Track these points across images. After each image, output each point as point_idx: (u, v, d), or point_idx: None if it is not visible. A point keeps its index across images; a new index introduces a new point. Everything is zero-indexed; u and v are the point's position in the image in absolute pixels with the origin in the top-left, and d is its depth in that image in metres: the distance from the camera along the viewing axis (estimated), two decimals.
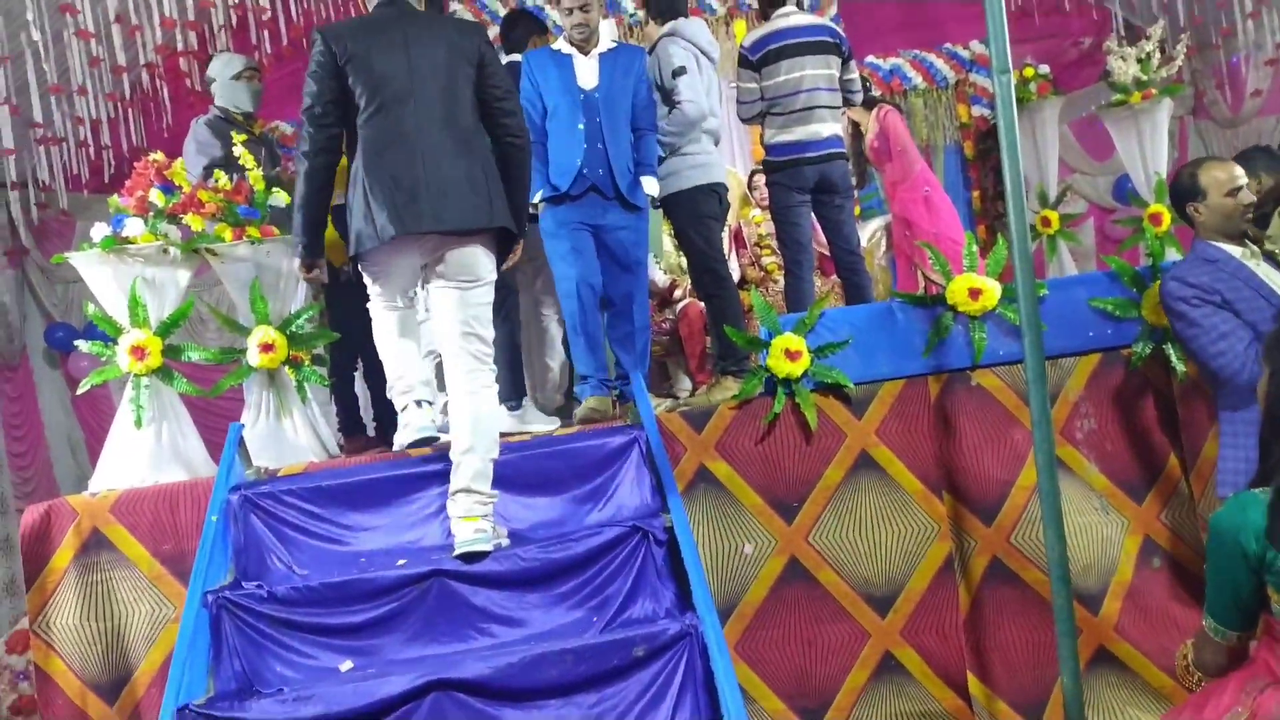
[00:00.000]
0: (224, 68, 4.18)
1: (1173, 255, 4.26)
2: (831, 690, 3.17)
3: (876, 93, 6.67)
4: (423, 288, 2.93)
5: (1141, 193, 5.10)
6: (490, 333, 2.78)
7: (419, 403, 2.85)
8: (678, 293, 5.50)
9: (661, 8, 3.88)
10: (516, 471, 2.87)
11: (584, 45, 3.59)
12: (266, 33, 5.95)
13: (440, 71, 2.73)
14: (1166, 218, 4.92)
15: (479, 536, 2.60)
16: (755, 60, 4.00)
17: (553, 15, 5.71)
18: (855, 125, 5.05)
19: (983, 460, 3.30)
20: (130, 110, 5.90)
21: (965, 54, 6.85)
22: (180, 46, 5.43)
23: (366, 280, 2.92)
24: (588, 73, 3.56)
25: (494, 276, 2.83)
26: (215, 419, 4.39)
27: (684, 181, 3.78)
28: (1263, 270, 2.70)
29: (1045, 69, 5.99)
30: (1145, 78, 4.90)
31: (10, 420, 6.03)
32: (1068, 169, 6.84)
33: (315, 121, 2.74)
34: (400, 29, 2.74)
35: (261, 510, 2.79)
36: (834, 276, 4.96)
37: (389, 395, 3.02)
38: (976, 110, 6.91)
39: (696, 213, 3.81)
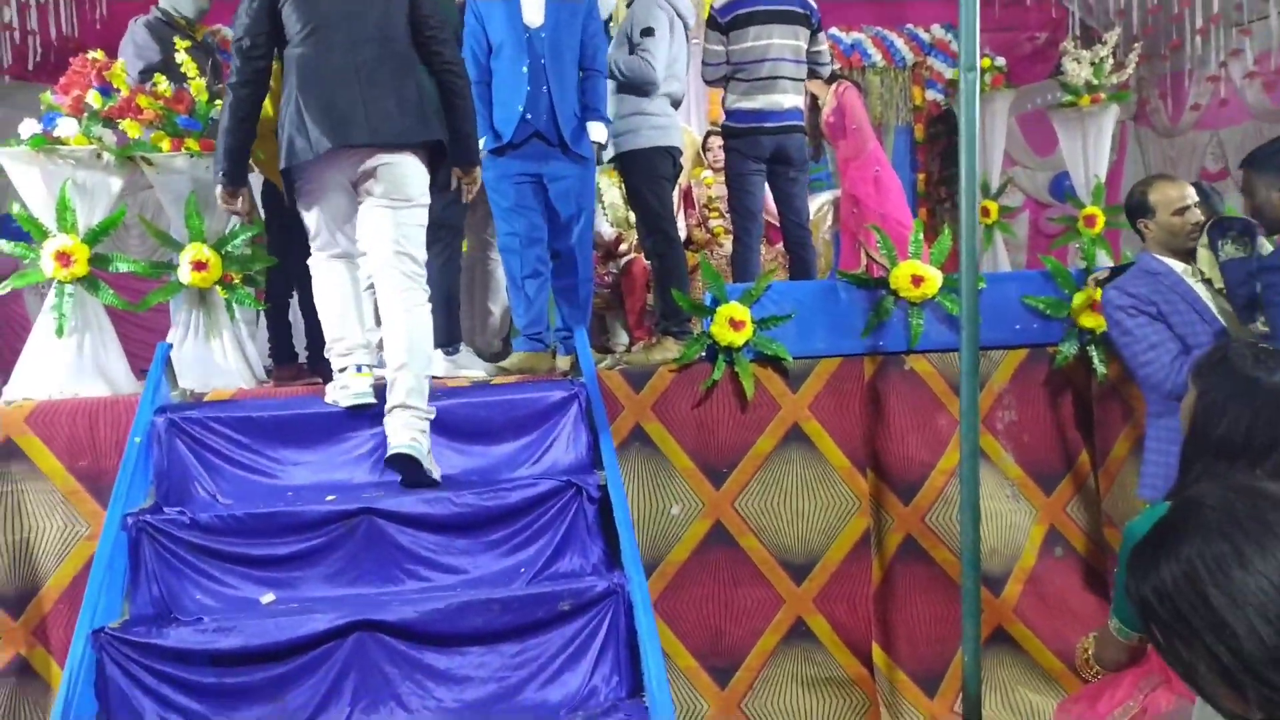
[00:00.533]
0: None
1: (1104, 260, 4.40)
2: (743, 651, 3.28)
3: (837, 67, 6.71)
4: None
5: (1080, 193, 5.25)
6: (423, 254, 2.82)
7: (359, 367, 2.82)
8: (623, 246, 5.48)
9: None
10: (454, 418, 2.85)
11: None
12: None
13: (375, 2, 2.76)
14: (1100, 220, 5.07)
15: (414, 445, 2.62)
16: (724, 23, 3.97)
17: None
18: (814, 98, 5.06)
19: (907, 442, 3.41)
20: (62, 1, 5.55)
21: (926, 37, 6.91)
22: None
23: (302, 213, 2.89)
24: (533, 9, 3.38)
25: (427, 199, 2.85)
26: (138, 333, 4.24)
27: (642, 140, 3.75)
28: (1200, 288, 2.82)
29: (1001, 61, 6.08)
30: (1096, 82, 5.01)
31: None
32: (1010, 161, 7.00)
33: (244, 54, 2.77)
34: None
35: (187, 436, 2.72)
36: (779, 245, 5.01)
37: (326, 355, 2.98)
38: (931, 94, 7.00)
39: (653, 173, 3.79)
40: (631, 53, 3.70)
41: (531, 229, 3.46)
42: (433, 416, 2.73)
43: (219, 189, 2.87)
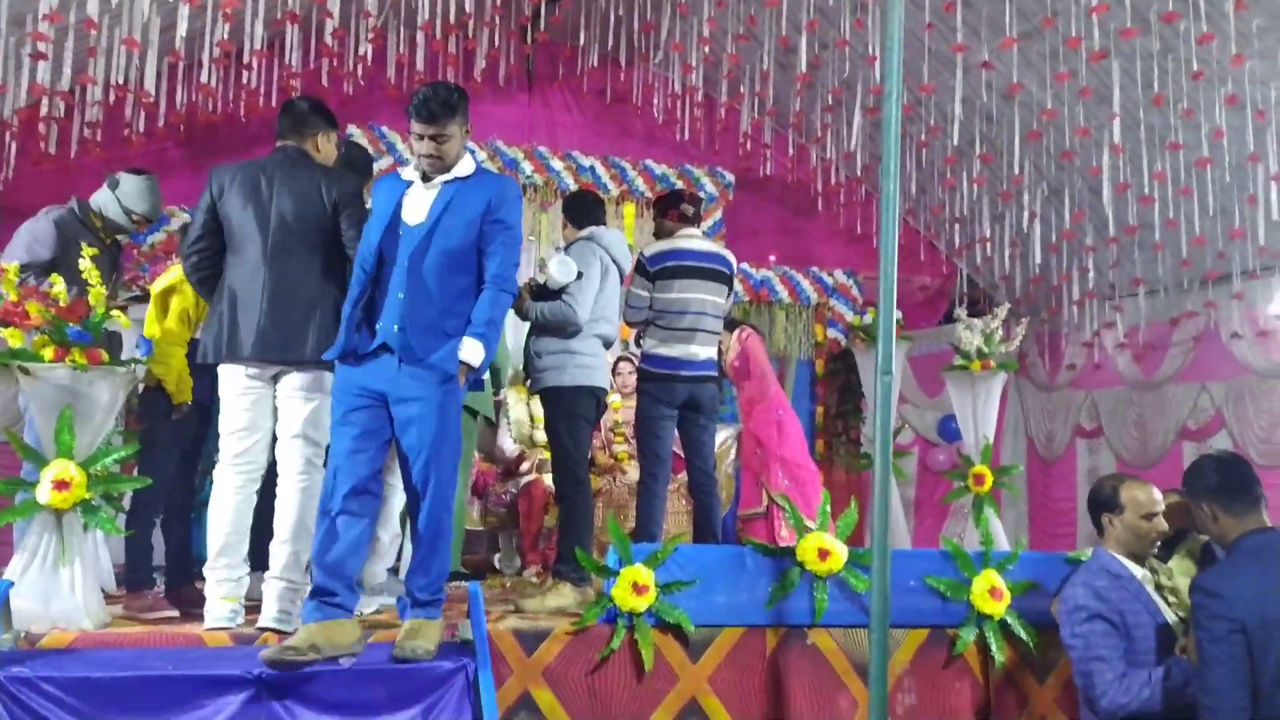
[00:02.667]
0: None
1: (997, 528, 4.48)
2: None
3: (746, 300, 6.99)
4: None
5: (969, 451, 5.45)
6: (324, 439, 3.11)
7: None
8: (524, 465, 5.36)
9: (579, 216, 3.95)
10: (325, 690, 2.58)
11: (430, 174, 2.92)
12: (143, 111, 5.63)
13: (297, 216, 3.14)
14: (989, 480, 5.24)
15: (282, 617, 2.98)
16: (652, 272, 4.07)
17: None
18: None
19: None
20: None
21: (829, 280, 7.30)
22: (46, 111, 5.02)
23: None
24: (418, 205, 2.88)
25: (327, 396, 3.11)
26: None
27: (567, 378, 3.73)
28: (1157, 597, 2.84)
29: (897, 314, 6.43)
30: (987, 350, 5.31)
31: None
32: (902, 400, 7.31)
33: (188, 247, 3.22)
34: (270, 173, 3.18)
35: (11, 699, 2.37)
36: (681, 476, 4.98)
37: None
38: (832, 333, 7.33)
39: (573, 412, 3.74)
40: (558, 295, 3.73)
41: (357, 463, 2.82)
42: (307, 587, 2.88)
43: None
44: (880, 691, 2.55)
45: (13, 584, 2.76)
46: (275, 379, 3.11)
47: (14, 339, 2.94)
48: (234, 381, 3.11)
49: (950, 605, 3.50)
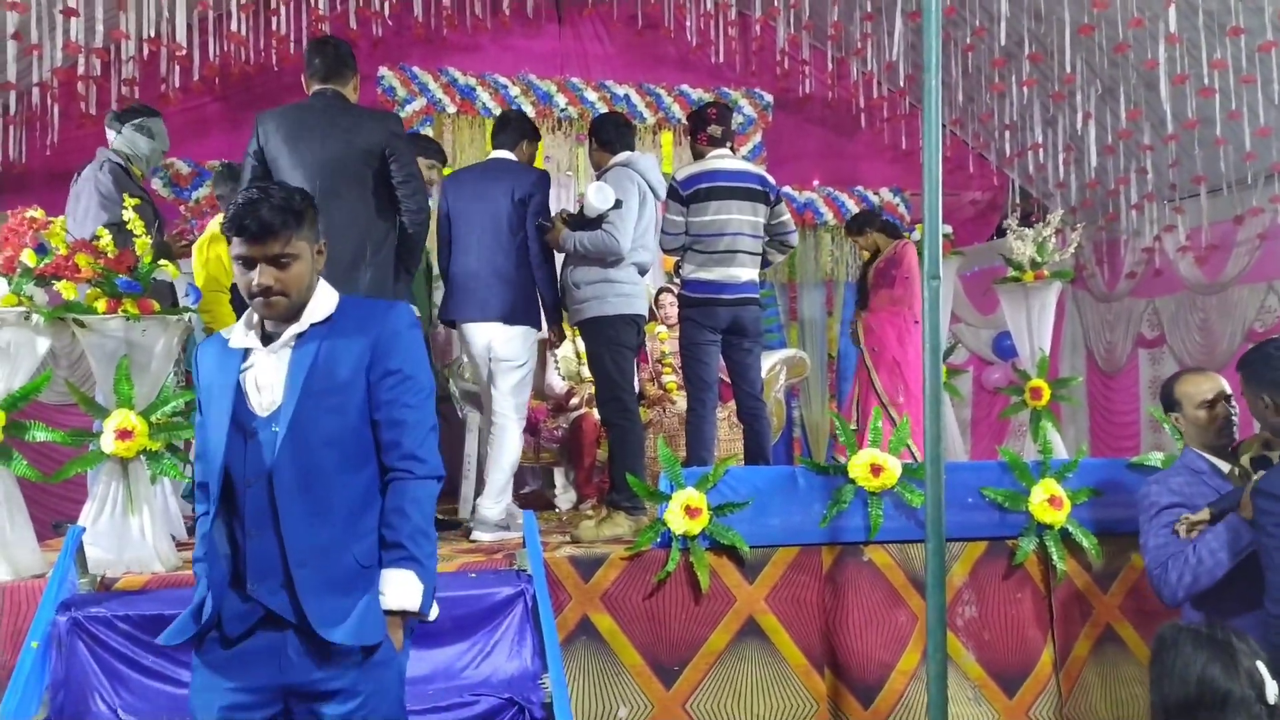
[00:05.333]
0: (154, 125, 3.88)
1: (1056, 440, 4.39)
2: None
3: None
4: None
5: (1025, 364, 5.32)
6: None
7: None
8: (574, 400, 5.39)
9: (611, 138, 3.87)
10: None
11: (278, 330, 1.90)
12: (178, 66, 5.65)
13: (344, 158, 3.17)
14: (1046, 393, 5.12)
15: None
16: (685, 195, 4.00)
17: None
18: (872, 251, 5.28)
19: (866, 639, 3.27)
20: (12, 125, 5.44)
21: (875, 199, 7.11)
22: (82, 70, 5.05)
23: None
24: (267, 380, 1.87)
25: None
26: (49, 499, 3.97)
27: (608, 307, 3.71)
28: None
29: (948, 229, 6.26)
30: (1040, 259, 5.14)
31: None
32: (954, 319, 7.15)
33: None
34: (314, 116, 3.19)
35: (90, 637, 2.47)
36: (730, 404, 4.97)
37: None
38: None
39: (615, 340, 3.74)
40: (597, 225, 3.69)
41: None
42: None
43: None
44: (938, 603, 2.52)
45: (84, 529, 2.85)
46: None
47: (68, 292, 2.99)
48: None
49: (1008, 516, 3.46)
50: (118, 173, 3.73)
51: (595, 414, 4.87)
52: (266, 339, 1.89)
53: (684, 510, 3.17)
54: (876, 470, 3.34)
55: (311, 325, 1.88)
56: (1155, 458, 3.54)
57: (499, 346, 3.82)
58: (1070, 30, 5.57)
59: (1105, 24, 5.45)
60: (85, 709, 2.40)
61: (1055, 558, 3.39)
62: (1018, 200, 7.42)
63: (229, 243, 1.85)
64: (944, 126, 7.31)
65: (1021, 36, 5.84)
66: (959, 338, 7.38)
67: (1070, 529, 3.42)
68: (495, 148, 4.01)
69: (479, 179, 3.91)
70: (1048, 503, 3.41)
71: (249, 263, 1.82)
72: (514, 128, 4.01)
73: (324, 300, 1.92)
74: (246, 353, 1.89)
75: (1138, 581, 3.43)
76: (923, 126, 2.48)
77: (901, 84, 6.83)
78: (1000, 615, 3.42)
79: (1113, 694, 3.39)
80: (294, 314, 1.88)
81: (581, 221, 3.73)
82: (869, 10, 6.18)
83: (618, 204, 3.64)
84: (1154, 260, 6.97)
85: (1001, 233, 5.85)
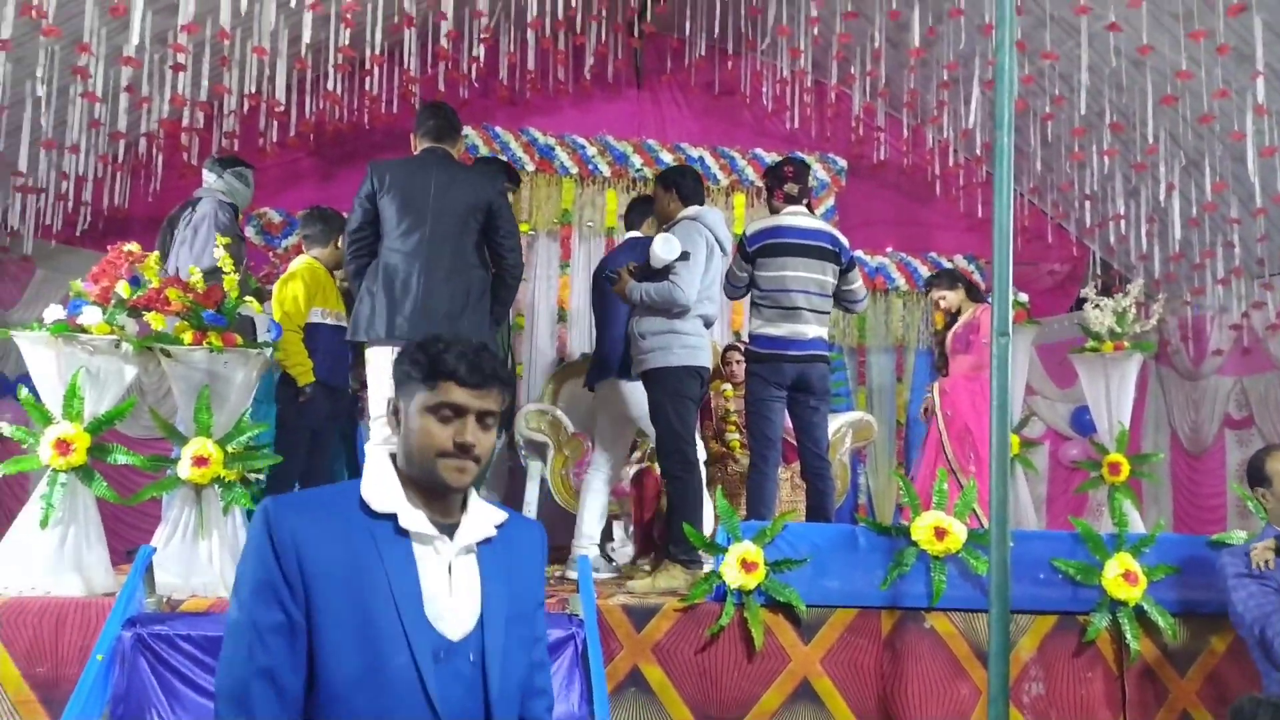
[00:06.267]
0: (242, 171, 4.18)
1: (1134, 519, 4.22)
2: None
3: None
4: None
5: (1103, 439, 5.15)
6: None
7: None
8: (635, 454, 5.39)
9: (688, 192, 3.98)
10: None
11: (449, 518, 1.48)
12: (275, 122, 5.96)
13: (454, 210, 3.39)
14: (1125, 468, 4.94)
15: None
16: (751, 252, 4.03)
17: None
18: (948, 313, 5.28)
19: (926, 710, 3.16)
20: (119, 172, 5.78)
21: (948, 264, 7.04)
22: (186, 122, 5.37)
23: None
24: (461, 591, 1.45)
25: None
26: (120, 526, 4.12)
27: (672, 359, 3.74)
28: None
29: (1024, 297, 6.15)
30: (1120, 330, 5.01)
31: None
32: (1030, 391, 6.97)
33: (351, 235, 3.43)
34: (428, 170, 3.40)
35: (152, 654, 2.54)
36: (795, 465, 4.92)
37: None
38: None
39: (678, 392, 3.75)
40: (664, 276, 3.74)
41: None
42: None
43: None
44: (1001, 675, 2.43)
45: (155, 549, 2.95)
46: None
47: (157, 322, 3.14)
48: (385, 361, 3.24)
49: (1080, 590, 3.33)
50: (230, 212, 3.98)
51: (657, 469, 4.87)
52: (441, 529, 1.44)
53: (740, 564, 3.14)
54: (941, 534, 3.25)
55: (483, 532, 1.48)
56: (1238, 535, 3.38)
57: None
58: (1153, 100, 5.50)
59: (1189, 95, 5.37)
60: None
61: (1129, 636, 3.24)
62: (1098, 272, 7.26)
63: (433, 388, 1.42)
64: (1021, 195, 7.25)
65: (1103, 107, 5.79)
66: (1035, 411, 7.19)
67: (1146, 607, 3.27)
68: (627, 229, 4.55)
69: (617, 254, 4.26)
70: (1122, 578, 3.27)
71: (457, 411, 1.43)
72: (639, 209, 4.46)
73: (483, 508, 1.52)
74: (405, 537, 1.41)
75: (1217, 666, 3.25)
76: (994, 177, 2.47)
77: (978, 152, 6.80)
78: (1069, 694, 3.26)
79: None
80: (462, 501, 1.50)
81: (647, 273, 3.79)
82: (945, 79, 6.20)
83: (684, 256, 3.69)
84: (1242, 338, 6.72)
85: (1081, 304, 5.73)
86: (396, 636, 1.34)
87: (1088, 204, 6.76)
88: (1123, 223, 6.64)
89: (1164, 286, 6.63)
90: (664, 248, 3.68)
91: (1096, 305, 5.09)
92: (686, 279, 3.72)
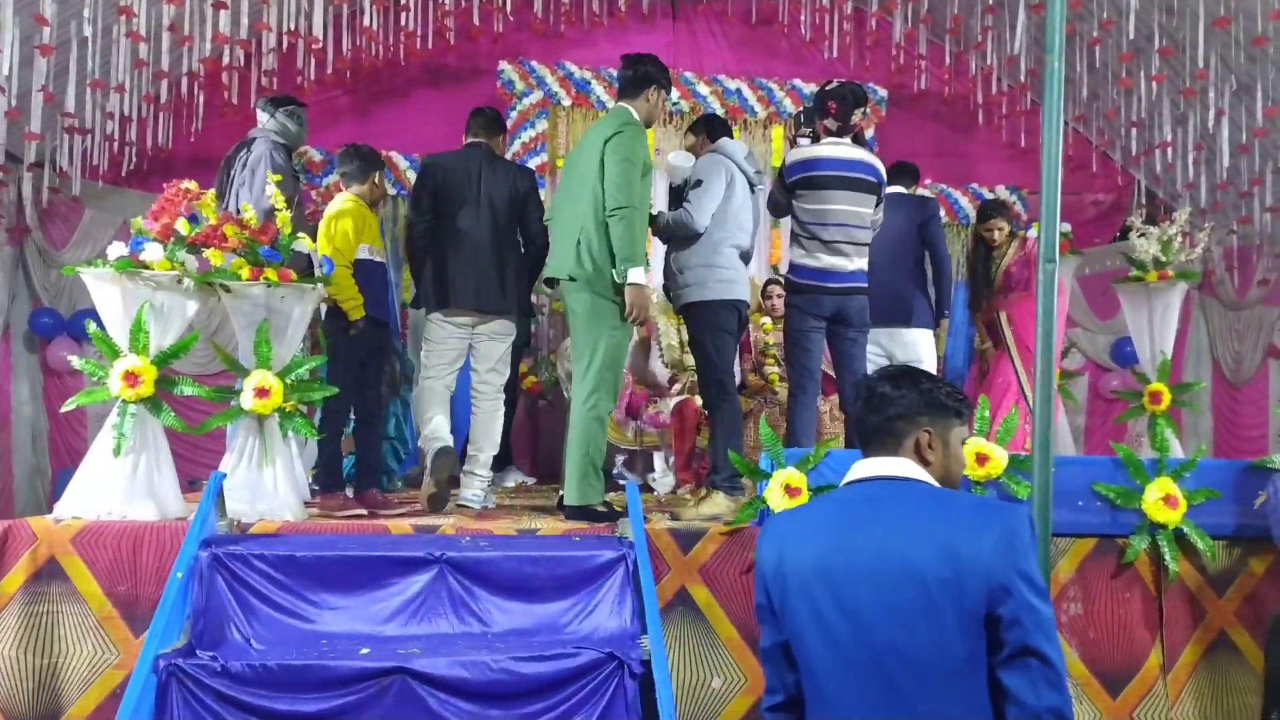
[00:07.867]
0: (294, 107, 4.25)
1: (1175, 448, 4.24)
2: None
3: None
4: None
5: (1144, 367, 5.13)
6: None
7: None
8: (675, 386, 5.47)
9: (715, 131, 4.12)
10: (499, 573, 2.78)
11: None
12: (313, 59, 5.98)
13: (499, 199, 4.02)
14: (1166, 397, 4.94)
15: (475, 497, 3.96)
16: (789, 183, 4.03)
17: None
18: (988, 247, 5.24)
19: None
20: (162, 112, 5.85)
21: (989, 195, 6.96)
22: (227, 60, 5.41)
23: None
24: None
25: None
26: (188, 451, 4.29)
27: (709, 293, 3.78)
28: None
29: (1066, 227, 6.08)
30: (1165, 259, 4.95)
31: None
32: (1071, 323, 6.93)
33: (417, 221, 4.03)
34: (476, 164, 4.02)
35: (228, 572, 2.68)
36: (834, 398, 4.97)
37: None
38: None
39: (716, 325, 3.80)
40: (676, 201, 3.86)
41: None
42: (490, 478, 4.08)
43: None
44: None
45: (225, 475, 3.08)
46: (474, 325, 4.02)
47: (216, 258, 3.23)
48: (442, 328, 4.00)
49: (1120, 513, 3.37)
50: (284, 153, 4.05)
51: (697, 400, 4.95)
52: None
53: (784, 489, 3.21)
54: (982, 459, 3.30)
55: None
56: (1279, 459, 3.39)
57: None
58: (1205, 23, 5.34)
59: (1243, 16, 5.22)
60: (221, 636, 2.60)
61: (1168, 558, 3.29)
62: (1143, 201, 7.14)
63: (963, 424, 1.72)
64: (1066, 123, 7.10)
65: (1151, 30, 5.64)
66: (1075, 343, 7.15)
67: (1185, 529, 3.32)
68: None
69: None
70: (1163, 501, 3.31)
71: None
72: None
73: None
74: None
75: (1256, 587, 3.31)
76: (1043, 107, 2.46)
77: (1022, 78, 6.67)
78: (1107, 614, 3.33)
79: (1223, 702, 3.27)
80: None
81: (676, 199, 3.95)
82: (990, 3, 6.06)
83: (698, 183, 3.76)
84: None
85: (1124, 235, 5.64)
86: None
87: (1134, 131, 6.63)
88: (1169, 151, 6.51)
89: (1210, 216, 6.51)
90: (677, 158, 4.07)
91: (1142, 234, 5.03)
92: (697, 204, 3.78)
